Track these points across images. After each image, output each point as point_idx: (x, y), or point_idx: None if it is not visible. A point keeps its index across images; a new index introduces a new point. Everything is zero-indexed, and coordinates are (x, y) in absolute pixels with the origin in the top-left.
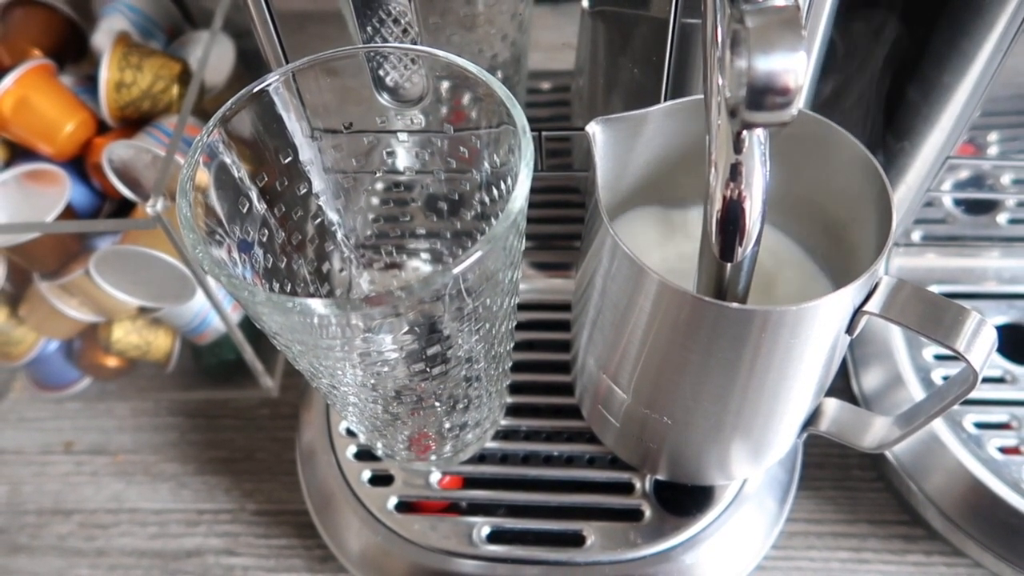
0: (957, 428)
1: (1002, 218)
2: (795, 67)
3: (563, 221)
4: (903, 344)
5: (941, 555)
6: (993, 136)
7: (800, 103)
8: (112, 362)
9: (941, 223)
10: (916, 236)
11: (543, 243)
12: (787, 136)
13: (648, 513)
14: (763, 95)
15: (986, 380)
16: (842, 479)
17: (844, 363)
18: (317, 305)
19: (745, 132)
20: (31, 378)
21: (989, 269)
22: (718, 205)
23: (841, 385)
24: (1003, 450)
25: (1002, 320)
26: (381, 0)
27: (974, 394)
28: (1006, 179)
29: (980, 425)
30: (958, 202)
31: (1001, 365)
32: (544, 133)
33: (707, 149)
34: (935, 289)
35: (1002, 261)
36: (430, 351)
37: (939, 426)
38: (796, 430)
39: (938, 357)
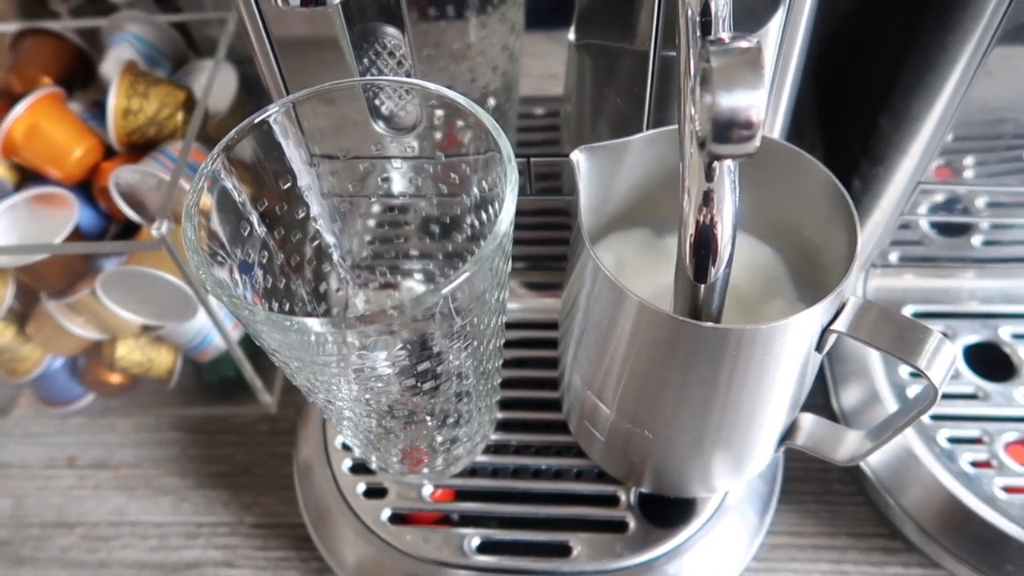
0: (931, 443)
1: (976, 240)
2: (756, 103)
3: (552, 243)
4: (879, 363)
5: (919, 567)
6: (966, 161)
7: (760, 137)
8: (116, 379)
9: (918, 245)
10: (893, 257)
11: (533, 264)
12: (762, 163)
13: (632, 525)
14: (727, 129)
15: (959, 396)
16: (823, 493)
17: (824, 381)
18: (314, 324)
19: (716, 162)
20: (36, 394)
21: (964, 289)
22: (691, 230)
23: (821, 402)
24: (975, 464)
25: (975, 339)
26: (377, 34)
27: (948, 410)
28: (980, 203)
29: (953, 440)
30: (933, 225)
31: (973, 382)
32: (532, 159)
33: (681, 177)
34: (912, 309)
35: (976, 282)
36: (421, 367)
37: (915, 441)
38: (774, 444)
39: (913, 375)
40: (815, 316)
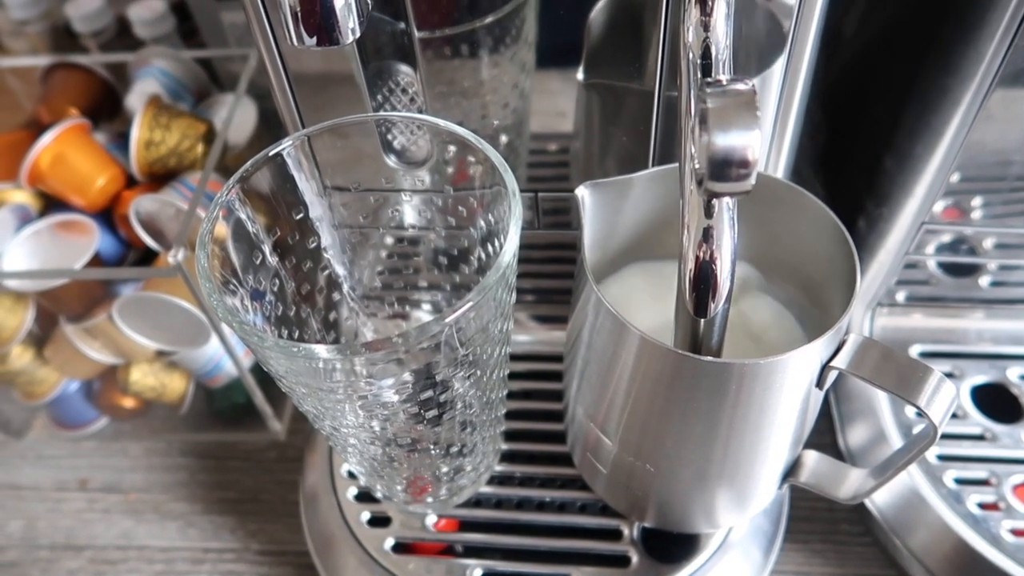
0: (938, 484)
1: (984, 281)
2: (750, 144)
3: (561, 276)
4: (886, 402)
5: None
6: (972, 202)
7: (755, 175)
8: (129, 403)
9: (925, 284)
10: (900, 297)
11: (543, 297)
12: (764, 202)
13: (635, 560)
14: (723, 168)
15: (967, 437)
16: (830, 533)
17: (830, 419)
18: (320, 350)
19: (715, 199)
20: (51, 417)
21: (972, 330)
22: (691, 265)
23: (828, 441)
24: (983, 506)
25: (983, 380)
26: (390, 72)
27: (955, 451)
28: (986, 244)
29: (960, 481)
30: (940, 265)
31: (981, 423)
32: (540, 194)
33: (681, 213)
34: (919, 348)
35: (985, 322)
36: (425, 395)
37: (921, 482)
38: (777, 480)
39: (920, 414)
40: (814, 352)
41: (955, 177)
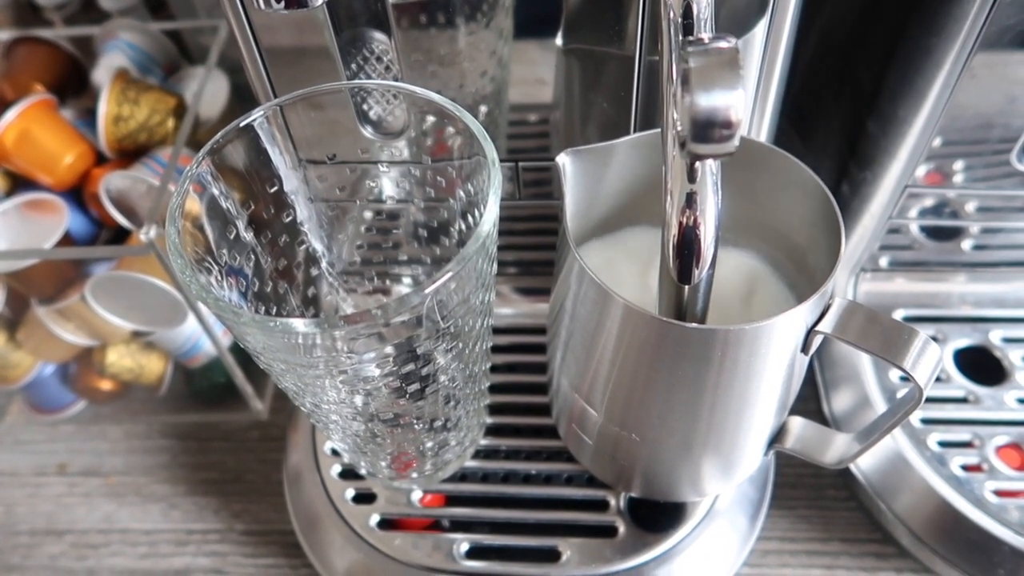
0: (922, 447)
1: (967, 244)
2: (734, 103)
3: (544, 248)
4: (871, 367)
5: (911, 572)
6: (955, 165)
7: (739, 136)
8: (106, 385)
9: (908, 249)
10: (883, 261)
11: (526, 269)
12: (748, 167)
13: (622, 529)
14: (705, 129)
15: (950, 400)
16: (815, 498)
17: (815, 385)
18: (297, 324)
19: (698, 163)
20: (27, 401)
21: (954, 293)
22: (674, 231)
23: (813, 407)
24: (966, 468)
25: (966, 343)
26: (364, 39)
27: (939, 414)
28: (969, 207)
29: (944, 444)
30: (923, 228)
31: (964, 386)
32: (520, 164)
33: (663, 179)
34: (902, 313)
35: (967, 286)
36: (406, 369)
37: (905, 445)
38: (762, 447)
39: (904, 379)
40: (799, 317)
41: (938, 140)
